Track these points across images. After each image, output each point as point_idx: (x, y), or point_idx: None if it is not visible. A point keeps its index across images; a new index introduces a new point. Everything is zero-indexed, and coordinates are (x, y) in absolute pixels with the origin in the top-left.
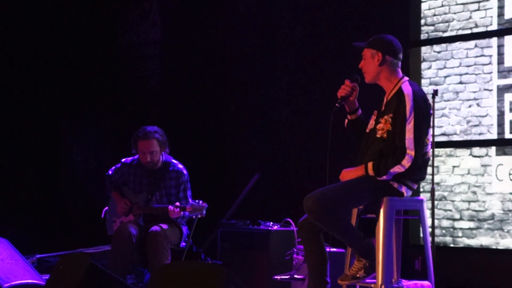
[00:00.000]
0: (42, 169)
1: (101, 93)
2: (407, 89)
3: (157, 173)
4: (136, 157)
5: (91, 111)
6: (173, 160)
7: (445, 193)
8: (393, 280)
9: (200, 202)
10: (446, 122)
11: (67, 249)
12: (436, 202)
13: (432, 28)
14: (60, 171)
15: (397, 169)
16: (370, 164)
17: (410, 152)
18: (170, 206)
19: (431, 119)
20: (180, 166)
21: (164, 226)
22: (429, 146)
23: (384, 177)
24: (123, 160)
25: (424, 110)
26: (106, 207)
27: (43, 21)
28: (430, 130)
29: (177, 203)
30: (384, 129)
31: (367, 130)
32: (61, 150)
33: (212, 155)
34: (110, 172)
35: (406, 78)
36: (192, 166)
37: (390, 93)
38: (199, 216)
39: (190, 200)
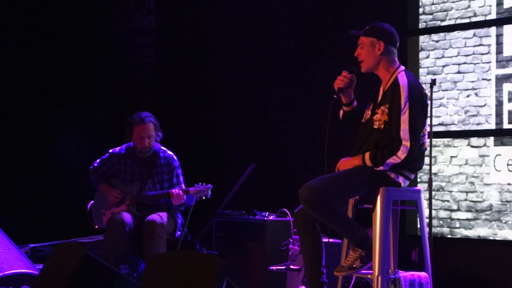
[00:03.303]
0: (35, 159)
1: (94, 82)
2: (402, 80)
3: (148, 161)
4: (124, 146)
5: (83, 101)
6: (162, 147)
7: (443, 184)
8: (390, 271)
9: (204, 184)
10: (444, 112)
11: (61, 239)
12: (433, 193)
13: (430, 17)
14: (53, 161)
15: (393, 160)
16: (367, 154)
17: (406, 143)
18: (172, 190)
19: (428, 110)
20: (170, 152)
21: (160, 215)
22: (426, 137)
23: (382, 167)
24: (110, 150)
25: (419, 101)
26: (92, 201)
27: (34, 10)
28: (428, 121)
29: (182, 186)
30: (381, 120)
31: (363, 120)
32: (53, 140)
33: (207, 145)
34: (95, 165)
35: (403, 68)
36: (187, 156)
37: (387, 83)
38: (203, 197)
39: (183, 185)
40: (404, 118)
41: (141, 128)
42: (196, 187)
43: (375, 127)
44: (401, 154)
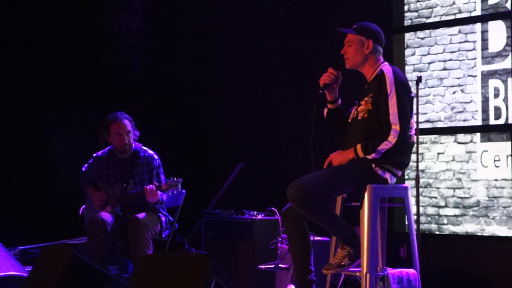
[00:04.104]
0: (24, 160)
1: (84, 83)
2: (386, 69)
3: (128, 161)
4: (105, 150)
5: (74, 101)
6: (143, 147)
7: (430, 180)
8: (378, 268)
9: (174, 178)
10: (431, 109)
11: (50, 241)
12: (421, 189)
13: (415, 14)
14: (43, 162)
15: (385, 145)
16: (358, 146)
17: (395, 127)
18: (146, 186)
19: (414, 105)
20: (150, 151)
21: (143, 215)
22: (413, 131)
23: (374, 155)
24: (94, 154)
25: (404, 86)
26: (83, 206)
27: (25, 10)
28: (414, 116)
29: (154, 183)
30: (365, 109)
31: (349, 120)
32: (43, 141)
33: (195, 144)
34: (83, 169)
35: (386, 63)
36: (176, 156)
37: (370, 77)
38: (175, 192)
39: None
40: (392, 103)
41: (118, 125)
42: (168, 182)
43: (360, 118)
44: (392, 138)
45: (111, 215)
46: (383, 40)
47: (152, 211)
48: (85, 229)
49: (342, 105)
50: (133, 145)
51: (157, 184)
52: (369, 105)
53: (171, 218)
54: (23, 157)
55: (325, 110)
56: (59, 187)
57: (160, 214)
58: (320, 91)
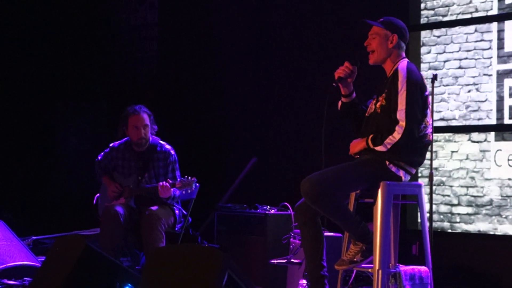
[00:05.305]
0: (37, 152)
1: (97, 76)
2: (401, 66)
3: (145, 154)
4: (123, 141)
5: (86, 94)
6: (160, 141)
7: (444, 178)
8: (390, 265)
9: (189, 177)
10: (445, 107)
11: (63, 231)
12: (434, 187)
13: (432, 12)
14: (55, 155)
15: (389, 140)
16: (370, 136)
17: (401, 123)
18: (160, 183)
19: (429, 102)
20: (168, 146)
21: (157, 208)
22: (429, 129)
23: (381, 147)
24: (111, 144)
25: (417, 85)
26: (98, 194)
27: (37, 4)
28: (429, 113)
29: (169, 180)
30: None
31: (367, 114)
32: (56, 134)
33: (209, 138)
34: (99, 158)
35: (406, 59)
36: (189, 150)
37: (389, 73)
38: (189, 191)
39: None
40: (401, 100)
41: (136, 118)
42: (182, 180)
43: (377, 112)
44: (396, 134)
45: (124, 207)
46: (407, 37)
47: (166, 204)
48: (98, 218)
49: (357, 98)
50: (150, 139)
51: (171, 181)
52: (383, 101)
53: (185, 212)
54: (36, 149)
55: (339, 103)
56: (72, 179)
57: (174, 207)
58: (334, 84)
